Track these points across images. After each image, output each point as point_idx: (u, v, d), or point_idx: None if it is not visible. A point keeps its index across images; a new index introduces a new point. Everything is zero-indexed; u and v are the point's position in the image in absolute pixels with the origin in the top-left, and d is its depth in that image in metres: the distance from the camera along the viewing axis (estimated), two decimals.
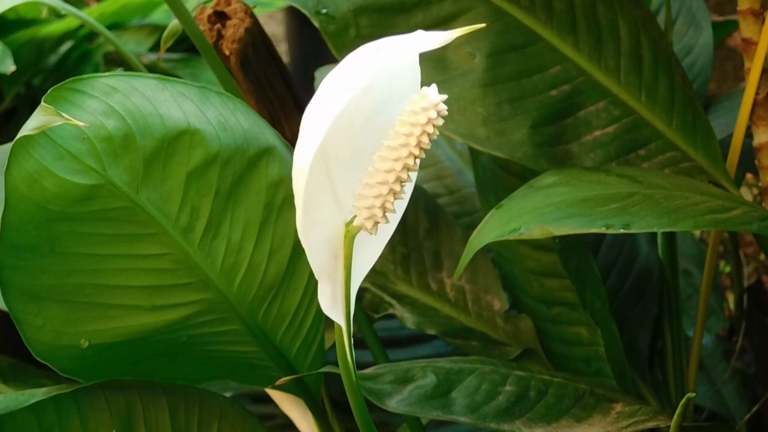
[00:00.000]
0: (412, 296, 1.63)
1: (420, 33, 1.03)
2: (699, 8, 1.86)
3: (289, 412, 1.52)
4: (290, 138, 1.62)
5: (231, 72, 1.62)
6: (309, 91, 1.14)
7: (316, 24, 1.44)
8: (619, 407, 1.35)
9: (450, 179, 1.85)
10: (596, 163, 1.47)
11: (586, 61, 1.47)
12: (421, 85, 1.04)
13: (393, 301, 1.61)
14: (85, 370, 1.31)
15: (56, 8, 1.67)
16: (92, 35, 2.48)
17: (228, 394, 1.73)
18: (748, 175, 2.36)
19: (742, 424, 1.90)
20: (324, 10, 1.44)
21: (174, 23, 1.57)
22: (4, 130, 2.38)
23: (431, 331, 1.60)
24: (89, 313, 1.26)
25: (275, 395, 1.52)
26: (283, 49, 3.76)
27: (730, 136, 1.51)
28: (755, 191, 2.50)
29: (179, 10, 1.46)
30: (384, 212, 1.04)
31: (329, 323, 1.16)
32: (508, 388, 1.34)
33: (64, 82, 1.18)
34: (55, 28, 2.39)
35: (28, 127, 1.09)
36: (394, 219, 1.08)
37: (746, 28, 1.48)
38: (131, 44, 2.50)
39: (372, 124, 1.05)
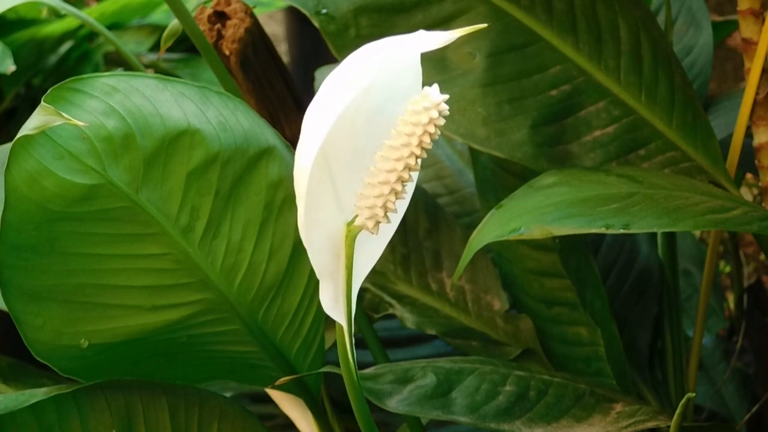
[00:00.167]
0: (412, 296, 1.63)
1: (421, 33, 1.03)
2: (699, 8, 1.86)
3: (289, 412, 1.52)
4: (290, 138, 1.62)
5: (231, 72, 1.62)
6: (309, 91, 1.14)
7: (316, 24, 1.44)
8: (619, 407, 1.35)
9: (450, 179, 1.85)
10: (596, 163, 1.47)
11: (586, 61, 1.47)
12: (422, 85, 1.04)
13: (393, 301, 1.61)
14: (85, 370, 1.31)
15: (56, 8, 1.67)
16: (92, 35, 2.48)
17: (228, 394, 1.73)
18: (748, 175, 2.36)
19: (742, 424, 1.90)
20: (324, 10, 1.44)
21: (174, 23, 1.57)
22: (4, 130, 2.38)
23: (431, 331, 1.60)
24: (89, 313, 1.26)
25: (275, 395, 1.52)
26: (283, 49, 3.76)
27: (730, 136, 1.51)
28: (755, 191, 2.50)
29: (179, 10, 1.46)
30: (385, 212, 1.04)
31: (329, 323, 1.16)
32: (508, 388, 1.34)
33: (64, 81, 1.18)
34: (55, 28, 2.39)
35: (28, 127, 1.09)
36: (396, 219, 1.08)
37: (746, 28, 1.48)
38: (131, 44, 2.50)
39: (373, 124, 1.05)
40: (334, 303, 1.09)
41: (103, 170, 1.19)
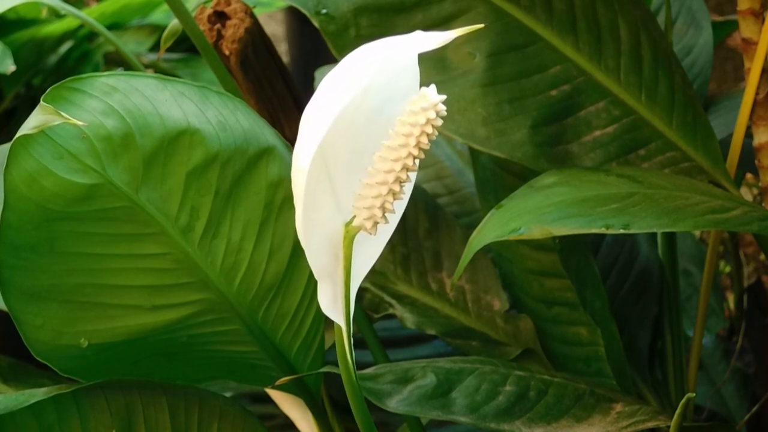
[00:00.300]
0: (412, 296, 1.63)
1: (419, 33, 1.03)
2: (699, 8, 1.86)
3: (289, 412, 1.52)
4: (290, 138, 1.61)
5: (231, 72, 1.62)
6: (309, 91, 1.13)
7: (316, 24, 1.44)
8: (619, 407, 1.35)
9: (450, 179, 1.85)
10: (596, 163, 1.47)
11: (586, 61, 1.47)
12: (421, 85, 1.04)
13: (393, 301, 1.61)
14: (84, 370, 1.31)
15: (56, 8, 1.67)
16: (92, 35, 2.48)
17: (228, 394, 1.73)
18: (748, 175, 2.36)
19: (742, 424, 1.90)
20: (324, 10, 1.44)
21: (174, 23, 1.57)
22: (4, 130, 2.38)
23: (431, 331, 1.60)
24: (89, 312, 1.26)
25: (275, 395, 1.52)
26: (283, 49, 3.76)
27: (730, 136, 1.51)
28: (755, 191, 2.50)
29: (179, 10, 1.46)
30: (383, 212, 1.04)
31: (329, 323, 1.16)
32: (508, 388, 1.34)
33: (63, 81, 1.18)
34: (55, 28, 2.39)
35: (28, 126, 1.09)
36: (394, 219, 1.08)
37: (746, 28, 1.48)
38: (131, 44, 2.50)
39: (372, 124, 1.05)
40: (333, 304, 1.09)
41: (102, 170, 1.19)
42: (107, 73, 1.21)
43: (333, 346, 1.39)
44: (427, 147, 1.01)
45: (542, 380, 1.36)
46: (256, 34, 1.63)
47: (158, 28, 2.53)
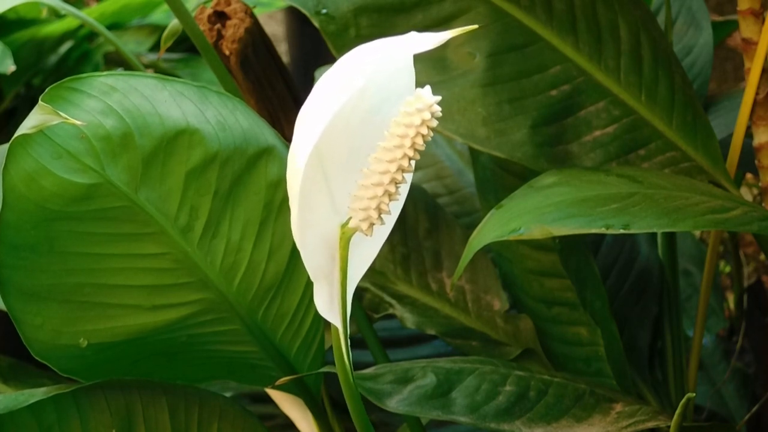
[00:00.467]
0: (412, 296, 1.63)
1: (415, 34, 1.03)
2: (699, 8, 1.86)
3: (289, 412, 1.52)
4: (290, 138, 1.61)
5: (231, 72, 1.62)
6: (309, 91, 1.13)
7: (316, 24, 1.44)
8: (619, 407, 1.35)
9: (450, 179, 1.85)
10: (596, 163, 1.47)
11: (586, 61, 1.47)
12: (421, 86, 1.03)
13: (393, 301, 1.61)
14: (84, 370, 1.31)
15: (56, 8, 1.67)
16: (92, 35, 2.48)
17: (228, 394, 1.73)
18: (748, 175, 2.36)
19: (742, 424, 1.90)
20: (324, 10, 1.44)
21: (174, 23, 1.57)
22: (4, 130, 2.38)
23: (431, 331, 1.60)
24: (88, 312, 1.26)
25: (275, 395, 1.52)
26: (283, 49, 3.77)
27: (730, 136, 1.51)
28: (755, 191, 2.50)
29: (179, 10, 1.46)
30: (379, 214, 1.04)
31: (329, 323, 1.16)
32: (508, 388, 1.34)
33: (62, 81, 1.18)
34: (55, 28, 2.39)
35: (26, 126, 1.09)
36: (390, 220, 1.08)
37: (746, 28, 1.48)
38: (131, 44, 2.50)
39: (368, 125, 1.05)
40: (329, 305, 1.09)
41: (101, 169, 1.19)
42: (106, 73, 1.21)
43: None
44: (422, 148, 1.01)
45: (542, 380, 1.36)
46: (256, 34, 1.63)
47: (158, 28, 2.53)
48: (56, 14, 2.44)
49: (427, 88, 1.01)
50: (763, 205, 1.50)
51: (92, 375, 1.31)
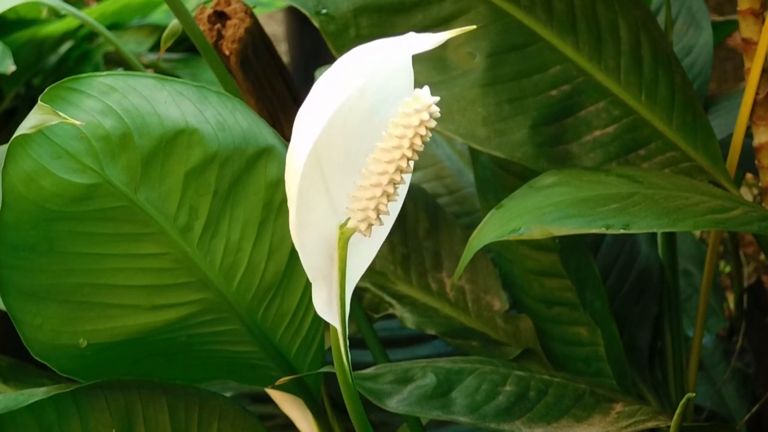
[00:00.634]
0: (412, 296, 1.63)
1: (414, 34, 1.03)
2: (699, 8, 1.86)
3: (289, 412, 1.52)
4: (290, 138, 1.61)
5: (231, 72, 1.62)
6: (309, 91, 1.14)
7: (316, 24, 1.44)
8: (619, 407, 1.35)
9: (450, 179, 1.85)
10: (596, 163, 1.47)
11: (586, 61, 1.47)
12: (421, 86, 1.03)
13: (393, 301, 1.61)
14: (84, 370, 1.31)
15: (56, 8, 1.67)
16: (92, 35, 2.48)
17: (228, 394, 1.73)
18: (748, 175, 2.36)
19: (742, 424, 1.90)
20: (324, 10, 1.44)
21: (174, 23, 1.57)
22: (4, 130, 2.38)
23: (431, 331, 1.60)
24: (88, 312, 1.26)
25: (275, 395, 1.52)
26: (283, 49, 3.76)
27: (730, 136, 1.51)
28: (755, 191, 2.50)
29: (179, 10, 1.46)
30: (378, 214, 1.04)
31: (329, 323, 1.16)
32: (508, 388, 1.34)
33: (61, 81, 1.18)
34: (55, 28, 2.39)
35: (26, 126, 1.09)
36: (389, 221, 1.08)
37: (746, 28, 1.48)
38: (131, 44, 2.50)
39: (367, 126, 1.05)
40: (328, 305, 1.09)
41: (100, 170, 1.19)
42: (105, 73, 1.21)
43: None
44: (420, 149, 1.01)
45: (542, 380, 1.36)
46: (256, 34, 1.63)
47: (158, 28, 2.53)
48: (56, 14, 2.44)
49: (426, 88, 1.00)
50: (763, 205, 1.50)
51: (92, 375, 1.31)
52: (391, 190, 1.03)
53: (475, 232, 1.29)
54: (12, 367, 1.64)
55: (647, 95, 1.48)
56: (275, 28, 3.89)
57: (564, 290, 1.56)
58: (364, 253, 1.10)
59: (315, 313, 1.33)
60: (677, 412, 1.22)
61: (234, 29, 1.61)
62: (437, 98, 1.00)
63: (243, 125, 1.26)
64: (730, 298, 2.42)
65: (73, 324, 1.27)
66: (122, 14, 2.52)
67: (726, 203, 1.31)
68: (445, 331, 1.60)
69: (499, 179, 1.57)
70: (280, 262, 1.31)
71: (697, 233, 2.40)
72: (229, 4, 1.62)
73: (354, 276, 1.10)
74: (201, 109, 1.24)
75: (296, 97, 1.71)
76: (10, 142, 1.15)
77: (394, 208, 1.07)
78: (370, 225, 1.04)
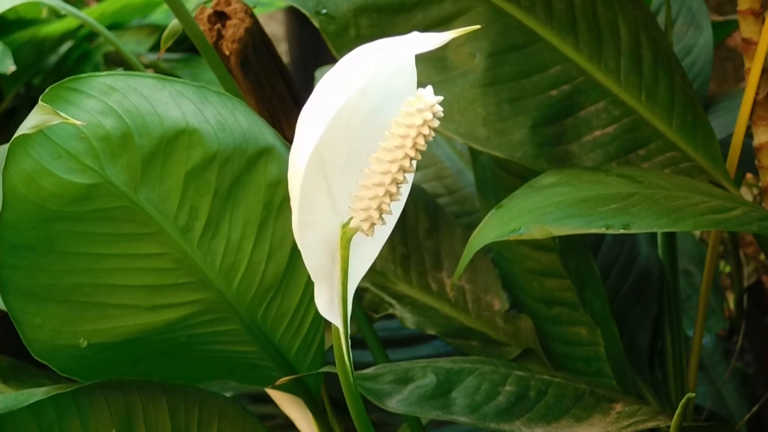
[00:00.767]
0: (412, 296, 1.63)
1: (417, 34, 1.03)
2: (699, 8, 1.86)
3: (289, 412, 1.52)
4: (290, 138, 1.61)
5: (231, 72, 1.62)
6: (309, 91, 1.13)
7: (316, 24, 1.44)
8: (619, 407, 1.35)
9: (450, 179, 1.85)
10: (596, 163, 1.47)
11: (586, 61, 1.47)
12: (421, 86, 1.03)
13: (393, 301, 1.61)
14: (84, 370, 1.31)
15: (56, 8, 1.67)
16: (92, 35, 2.48)
17: (228, 394, 1.73)
18: (748, 175, 2.36)
19: (742, 424, 1.90)
20: (324, 10, 1.44)
21: (174, 23, 1.57)
22: (4, 130, 2.38)
23: (431, 331, 1.60)
24: (88, 312, 1.26)
25: (275, 395, 1.52)
26: (283, 49, 3.76)
27: (730, 136, 1.51)
28: (755, 191, 2.50)
29: (179, 10, 1.46)
30: (380, 214, 1.04)
31: (329, 323, 1.16)
32: (508, 388, 1.34)
33: (62, 81, 1.18)
34: (55, 28, 2.39)
35: (26, 126, 1.09)
36: (391, 220, 1.08)
37: (746, 28, 1.48)
38: (131, 44, 2.50)
39: (369, 125, 1.05)
40: (330, 305, 1.09)
41: (101, 170, 1.19)
42: (106, 73, 1.21)
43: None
44: (423, 148, 1.01)
45: (542, 380, 1.36)
46: (256, 34, 1.63)
47: (158, 28, 2.53)
48: (56, 14, 2.44)
49: (429, 88, 1.01)
50: (763, 205, 1.50)
51: (92, 375, 1.31)
52: (393, 189, 1.03)
53: (475, 232, 1.29)
54: (12, 367, 1.64)
55: (647, 95, 1.48)
56: (275, 28, 3.89)
57: (564, 290, 1.56)
58: (366, 253, 1.10)
59: (315, 313, 1.34)
60: (677, 412, 1.22)
61: (234, 29, 1.61)
62: (440, 98, 1.00)
63: (243, 125, 1.26)
64: (730, 298, 2.42)
65: (73, 324, 1.27)
66: (122, 14, 2.52)
67: (726, 203, 1.31)
68: (445, 331, 1.60)
69: (499, 179, 1.57)
70: (280, 262, 1.31)
71: (697, 233, 2.40)
72: (229, 4, 1.62)
73: (356, 275, 1.10)
74: (201, 109, 1.24)
75: (296, 97, 1.71)
76: (10, 142, 1.15)
77: (397, 208, 1.07)
78: (372, 224, 1.04)
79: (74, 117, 1.15)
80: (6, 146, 1.16)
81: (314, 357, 1.39)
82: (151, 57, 2.47)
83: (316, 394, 1.44)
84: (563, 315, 1.57)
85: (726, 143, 1.50)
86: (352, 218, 1.05)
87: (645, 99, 1.48)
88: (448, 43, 1.02)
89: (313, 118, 1.01)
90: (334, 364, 1.22)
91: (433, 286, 1.64)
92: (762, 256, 2.63)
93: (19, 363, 1.64)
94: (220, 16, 1.61)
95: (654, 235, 1.76)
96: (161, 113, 1.21)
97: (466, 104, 1.45)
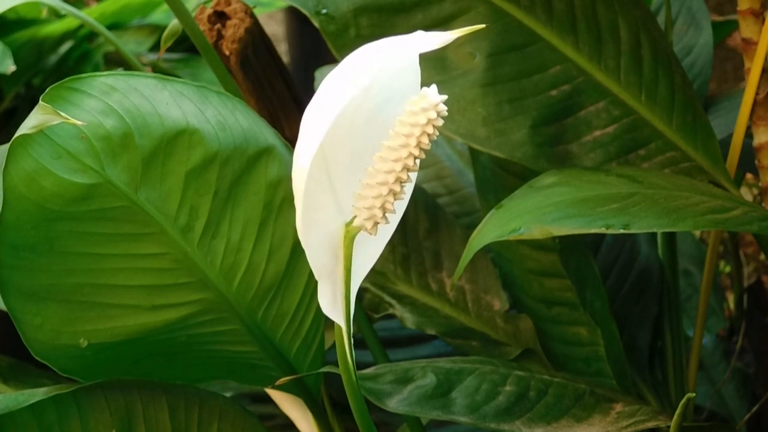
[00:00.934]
0: (412, 296, 1.63)
1: (420, 33, 1.03)
2: (699, 8, 1.86)
3: (289, 412, 1.52)
4: (290, 138, 1.61)
5: (231, 72, 1.62)
6: (309, 91, 1.14)
7: (316, 24, 1.44)
8: (619, 407, 1.35)
9: (450, 179, 1.85)
10: (596, 163, 1.47)
11: (586, 61, 1.47)
12: (421, 86, 1.03)
13: (393, 301, 1.61)
14: (84, 370, 1.31)
15: (56, 8, 1.67)
16: (92, 35, 2.48)
17: (228, 394, 1.73)
18: (748, 175, 2.36)
19: (742, 424, 1.90)
20: (324, 10, 1.44)
21: (174, 23, 1.57)
22: (4, 130, 2.38)
23: (431, 331, 1.60)
24: (88, 312, 1.26)
25: (275, 395, 1.52)
26: (283, 49, 3.76)
27: (730, 136, 1.51)
28: (755, 191, 2.50)
29: (179, 10, 1.46)
30: (384, 213, 1.04)
31: (329, 323, 1.16)
32: (508, 388, 1.34)
33: (62, 81, 1.18)
34: (55, 28, 2.39)
35: (27, 126, 1.09)
36: (394, 219, 1.08)
37: (746, 28, 1.48)
38: (131, 44, 2.50)
39: (372, 125, 1.05)
40: (333, 304, 1.09)
41: (101, 169, 1.18)
42: (106, 73, 1.20)
43: (333, 346, 1.39)
44: (428, 147, 1.01)
45: (542, 380, 1.36)
46: (256, 34, 1.63)
47: (158, 28, 2.53)
48: (56, 14, 2.44)
49: (433, 87, 1.01)
50: (763, 205, 1.50)
51: (92, 375, 1.31)
52: (397, 188, 1.03)
53: (475, 232, 1.29)
54: (12, 367, 1.64)
55: (647, 95, 1.48)
56: (275, 28, 3.89)
57: (564, 290, 1.56)
58: (369, 252, 1.11)
59: (315, 313, 1.34)
60: (677, 412, 1.22)
61: (234, 29, 1.61)
62: (445, 97, 1.00)
63: (243, 125, 1.26)
64: (730, 298, 2.42)
65: (73, 324, 1.27)
66: (122, 14, 2.52)
67: (726, 203, 1.31)
68: (445, 331, 1.60)
69: (499, 179, 1.57)
70: (280, 262, 1.31)
71: (697, 233, 2.40)
72: (229, 4, 1.62)
73: (359, 274, 1.10)
74: (202, 109, 1.24)
75: (296, 97, 1.71)
76: (11, 141, 1.15)
77: (400, 207, 1.07)
78: (376, 223, 1.05)
79: (75, 117, 1.15)
80: (6, 146, 1.16)
81: (314, 357, 1.39)
82: (151, 57, 2.47)
83: (316, 394, 1.44)
84: (563, 315, 1.57)
85: (726, 143, 1.50)
86: (355, 217, 1.05)
87: (645, 99, 1.48)
88: (448, 43, 1.02)
89: (317, 117, 1.01)
90: (333, 364, 1.22)
91: (433, 286, 1.64)
92: (762, 256, 2.63)
93: (19, 363, 1.64)
94: (220, 16, 1.61)
95: (654, 235, 1.76)
96: (162, 113, 1.21)
97: (466, 104, 1.45)
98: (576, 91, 1.47)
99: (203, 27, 1.60)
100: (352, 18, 1.45)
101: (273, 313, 1.34)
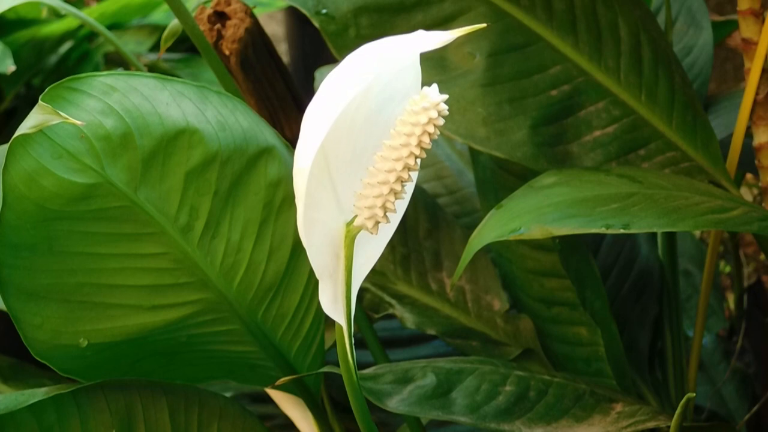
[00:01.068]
0: (412, 296, 1.63)
1: (421, 33, 1.03)
2: (699, 8, 1.86)
3: (289, 412, 1.52)
4: (290, 138, 1.62)
5: (231, 72, 1.62)
6: (309, 91, 1.14)
7: (316, 24, 1.44)
8: (619, 407, 1.35)
9: (450, 179, 1.85)
10: (596, 163, 1.47)
11: (586, 61, 1.47)
12: (422, 85, 1.03)
13: (393, 301, 1.61)
14: (84, 370, 1.31)
15: (56, 8, 1.67)
16: (92, 35, 2.48)
17: (228, 394, 1.73)
18: (748, 175, 2.36)
19: (742, 424, 1.90)
20: (324, 10, 1.44)
21: (174, 23, 1.57)
22: (4, 130, 2.38)
23: (431, 331, 1.60)
24: (88, 312, 1.26)
25: (275, 395, 1.52)
26: (283, 49, 3.76)
27: (730, 136, 1.51)
28: (755, 191, 2.50)
29: (179, 10, 1.46)
30: (385, 212, 1.04)
31: (329, 323, 1.16)
32: (508, 388, 1.34)
33: (62, 80, 1.18)
34: (55, 28, 2.39)
35: (26, 126, 1.09)
36: (395, 219, 1.08)
37: (746, 28, 1.48)
38: (131, 44, 2.50)
39: (373, 124, 1.05)
40: (334, 303, 1.09)
41: (101, 169, 1.18)
42: (106, 73, 1.20)
43: (333, 346, 1.39)
44: (428, 147, 1.01)
45: (542, 380, 1.36)
46: (256, 34, 1.63)
47: (158, 28, 2.53)
48: (56, 14, 2.44)
49: (434, 86, 1.01)
50: (763, 205, 1.50)
51: (92, 375, 1.31)
52: (398, 187, 1.03)
53: (475, 232, 1.29)
54: (12, 367, 1.64)
55: (647, 95, 1.48)
56: (275, 28, 3.89)
57: (564, 290, 1.56)
58: (369, 252, 1.11)
59: (315, 313, 1.34)
60: (677, 412, 1.22)
61: (234, 29, 1.61)
62: (446, 96, 1.00)
63: (243, 125, 1.26)
64: (730, 298, 2.42)
65: (73, 324, 1.27)
66: (122, 14, 2.52)
67: (726, 203, 1.31)
68: (445, 331, 1.60)
69: (499, 179, 1.57)
70: (280, 262, 1.31)
71: (697, 233, 2.40)
72: (229, 4, 1.62)
73: (360, 274, 1.10)
74: (202, 109, 1.24)
75: (296, 97, 1.71)
76: (10, 141, 1.15)
77: (401, 206, 1.07)
78: (377, 223, 1.05)
79: (74, 117, 1.15)
80: (6, 146, 1.16)
81: (314, 357, 1.39)
82: (151, 57, 2.47)
83: (316, 394, 1.44)
84: (563, 315, 1.57)
85: (726, 143, 1.51)
86: (356, 216, 1.05)
87: (645, 99, 1.48)
88: (448, 43, 1.02)
89: (319, 117, 1.01)
90: (333, 364, 1.22)
91: (433, 286, 1.64)
92: (762, 256, 2.63)
93: (19, 363, 1.64)
94: (220, 16, 1.61)
95: (654, 235, 1.76)
96: (162, 113, 1.21)
97: (466, 104, 1.45)
98: (576, 91, 1.47)
99: (203, 27, 1.60)
100: (352, 18, 1.45)
101: (273, 313, 1.34)
